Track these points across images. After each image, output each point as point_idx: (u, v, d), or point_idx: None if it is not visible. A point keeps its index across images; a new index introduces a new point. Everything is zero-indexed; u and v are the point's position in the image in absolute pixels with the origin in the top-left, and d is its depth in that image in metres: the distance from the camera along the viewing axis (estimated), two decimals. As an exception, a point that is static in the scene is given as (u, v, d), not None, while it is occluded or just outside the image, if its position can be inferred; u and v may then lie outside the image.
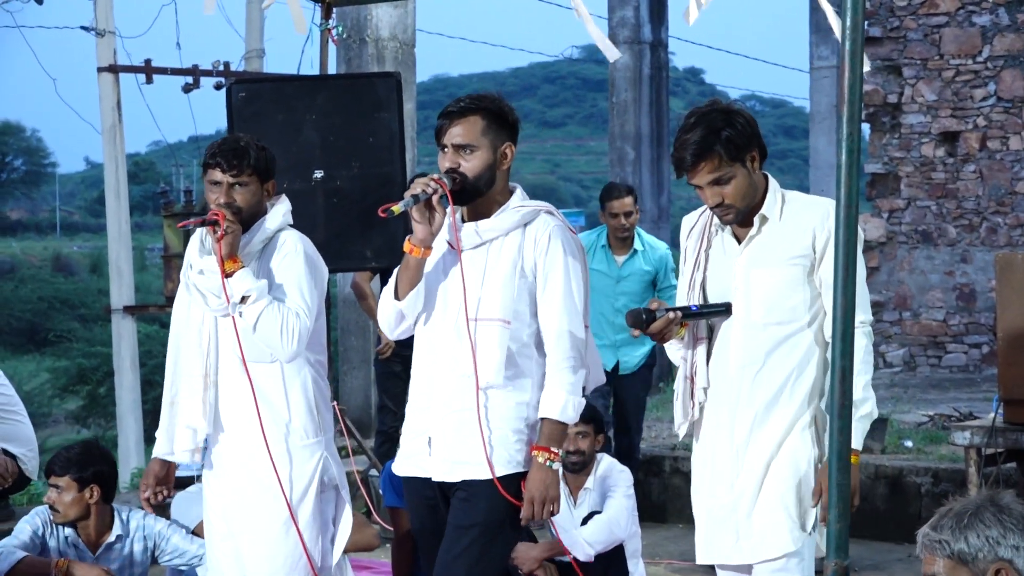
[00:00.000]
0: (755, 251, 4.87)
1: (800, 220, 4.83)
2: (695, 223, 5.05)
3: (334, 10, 8.72)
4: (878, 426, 10.28)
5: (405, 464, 5.18)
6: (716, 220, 4.94)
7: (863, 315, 4.70)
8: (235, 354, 5.48)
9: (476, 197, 5.02)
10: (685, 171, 4.82)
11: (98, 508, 6.26)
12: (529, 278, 5.01)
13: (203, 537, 6.33)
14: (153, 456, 5.67)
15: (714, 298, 4.92)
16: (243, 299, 5.35)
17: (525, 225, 5.04)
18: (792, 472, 4.79)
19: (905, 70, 16.60)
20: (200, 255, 5.48)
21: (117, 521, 6.32)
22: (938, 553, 3.50)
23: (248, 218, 5.51)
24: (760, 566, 4.83)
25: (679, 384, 5.00)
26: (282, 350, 5.40)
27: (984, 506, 3.52)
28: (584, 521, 7.24)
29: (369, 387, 12.28)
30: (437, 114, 5.09)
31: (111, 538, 6.29)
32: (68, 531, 6.23)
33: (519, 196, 5.12)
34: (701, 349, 4.93)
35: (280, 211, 5.67)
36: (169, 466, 5.64)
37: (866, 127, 16.79)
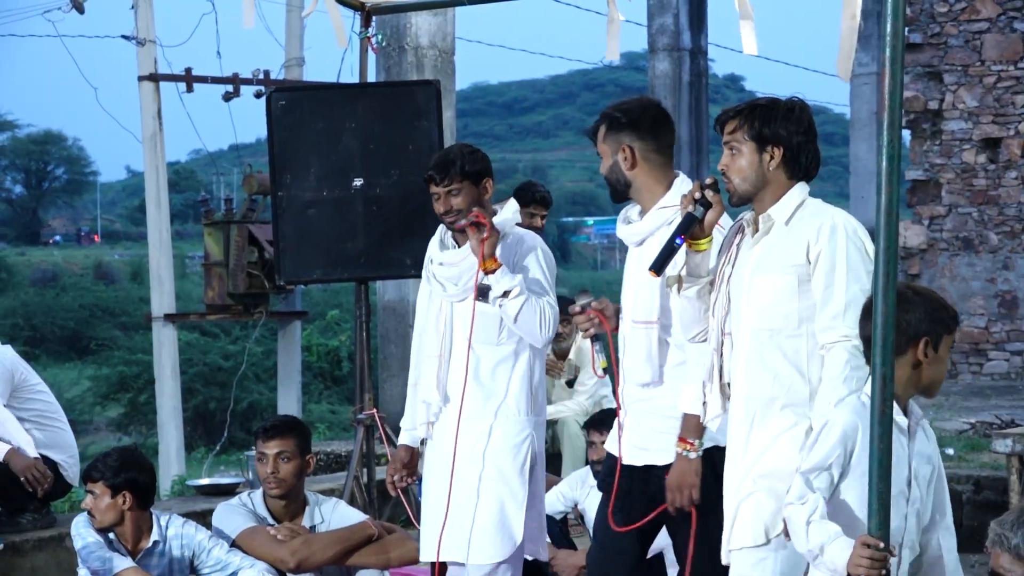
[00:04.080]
0: (760, 254, 4.83)
1: (801, 228, 4.78)
2: (737, 220, 5.03)
3: (374, 18, 8.73)
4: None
5: (609, 442, 5.65)
6: (748, 215, 4.93)
7: (848, 329, 4.61)
8: (464, 336, 6.05)
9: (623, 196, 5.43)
10: (720, 125, 4.92)
11: (133, 514, 6.27)
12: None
13: (243, 548, 6.35)
14: (400, 442, 6.37)
15: (735, 294, 4.88)
16: (505, 294, 5.87)
17: (671, 222, 5.20)
18: (769, 474, 4.73)
19: (946, 76, 16.54)
20: (440, 250, 6.16)
21: (155, 527, 6.34)
22: (1000, 547, 3.54)
23: None
24: (735, 554, 4.82)
25: (711, 359, 4.99)
26: (540, 337, 5.99)
27: None
28: (624, 529, 7.23)
29: (409, 395, 12.29)
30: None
31: (148, 543, 6.31)
32: (111, 535, 6.25)
33: (674, 191, 5.33)
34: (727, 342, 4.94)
35: (508, 211, 6.16)
36: (413, 452, 6.31)
37: (907, 134, 16.75)
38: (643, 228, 5.36)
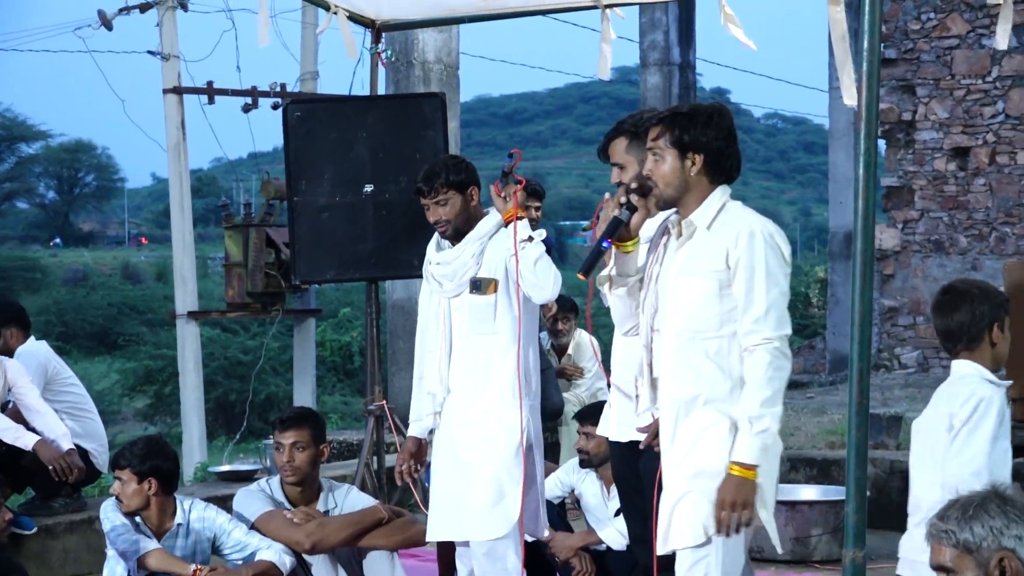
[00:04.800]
0: (684, 257, 4.74)
1: (722, 234, 4.69)
2: (664, 221, 4.93)
3: (383, 35, 8.72)
4: (893, 424, 10.23)
5: (600, 426, 5.78)
6: (673, 217, 4.83)
7: (769, 331, 4.58)
8: (462, 328, 6.14)
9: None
10: (645, 132, 4.85)
11: (158, 499, 6.26)
12: None
13: (261, 530, 6.34)
14: (408, 433, 6.38)
15: (662, 293, 4.80)
16: (529, 239, 5.98)
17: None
18: (700, 473, 4.65)
19: (919, 89, 16.54)
20: (436, 251, 6.23)
21: (179, 511, 6.33)
22: (945, 542, 3.45)
23: (462, 224, 6.14)
24: (679, 552, 4.72)
25: (641, 355, 4.92)
26: (550, 288, 6.01)
27: (989, 498, 3.47)
28: (617, 512, 7.23)
29: (416, 387, 12.28)
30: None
31: (172, 526, 6.31)
32: (137, 518, 6.24)
33: None
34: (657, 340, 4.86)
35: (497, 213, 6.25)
36: (421, 443, 6.32)
37: (882, 143, 16.73)
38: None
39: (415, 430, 6.33)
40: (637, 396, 4.95)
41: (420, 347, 6.37)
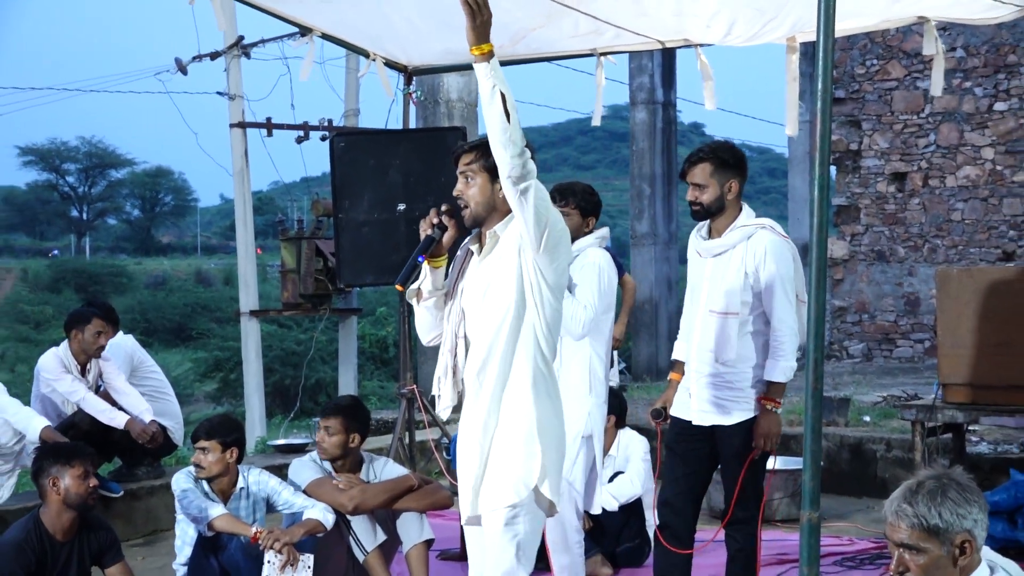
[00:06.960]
0: (488, 265, 4.53)
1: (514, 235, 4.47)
2: (463, 245, 4.73)
3: (414, 78, 8.71)
4: (842, 405, 10.22)
5: (675, 408, 5.69)
6: (473, 238, 4.66)
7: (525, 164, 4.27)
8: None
9: (712, 215, 5.52)
10: (456, 158, 4.64)
11: (233, 467, 6.27)
12: (751, 280, 5.42)
13: (311, 494, 6.33)
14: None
15: (469, 303, 4.56)
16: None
17: (748, 238, 5.42)
18: (511, 432, 4.41)
19: (864, 124, 16.51)
20: None
21: (241, 477, 6.33)
22: (911, 522, 3.35)
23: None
24: (488, 515, 4.45)
25: (445, 359, 4.60)
26: (571, 331, 5.79)
27: (948, 484, 3.38)
28: (610, 480, 7.22)
29: (441, 374, 12.25)
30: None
31: (236, 490, 6.30)
32: (205, 484, 6.23)
33: (744, 216, 5.52)
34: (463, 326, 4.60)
35: (594, 236, 6.11)
36: None
37: (833, 169, 16.70)
38: (725, 242, 5.48)
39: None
40: (439, 395, 4.61)
41: None
